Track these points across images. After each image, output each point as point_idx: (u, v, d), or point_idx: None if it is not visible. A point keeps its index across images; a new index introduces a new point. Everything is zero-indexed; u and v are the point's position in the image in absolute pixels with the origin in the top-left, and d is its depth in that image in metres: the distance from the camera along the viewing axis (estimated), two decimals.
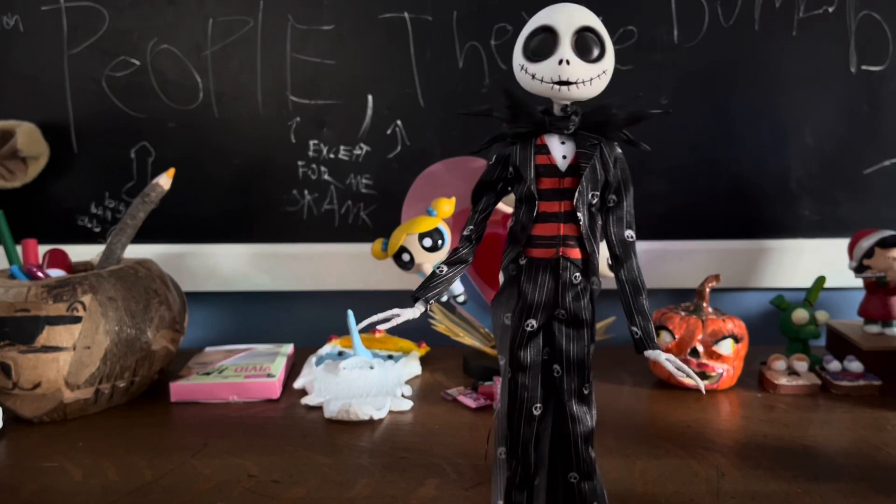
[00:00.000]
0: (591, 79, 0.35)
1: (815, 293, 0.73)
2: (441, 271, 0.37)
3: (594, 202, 0.36)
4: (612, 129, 0.37)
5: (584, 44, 0.35)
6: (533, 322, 0.37)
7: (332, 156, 0.85)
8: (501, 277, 0.38)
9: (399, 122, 0.84)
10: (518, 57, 0.36)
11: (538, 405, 0.38)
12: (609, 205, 0.37)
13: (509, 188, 0.38)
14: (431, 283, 0.37)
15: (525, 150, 0.36)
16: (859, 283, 0.74)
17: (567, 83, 0.35)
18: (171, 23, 0.83)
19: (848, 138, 0.81)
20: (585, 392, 0.38)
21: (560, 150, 0.36)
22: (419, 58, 0.82)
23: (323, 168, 0.85)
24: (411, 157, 0.83)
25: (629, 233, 0.38)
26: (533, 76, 0.35)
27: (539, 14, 0.36)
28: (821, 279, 0.74)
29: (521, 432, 0.38)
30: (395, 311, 0.37)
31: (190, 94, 0.84)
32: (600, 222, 0.37)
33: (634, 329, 0.37)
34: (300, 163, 0.85)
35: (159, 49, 0.83)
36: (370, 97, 0.84)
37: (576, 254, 0.36)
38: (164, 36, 0.83)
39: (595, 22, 0.35)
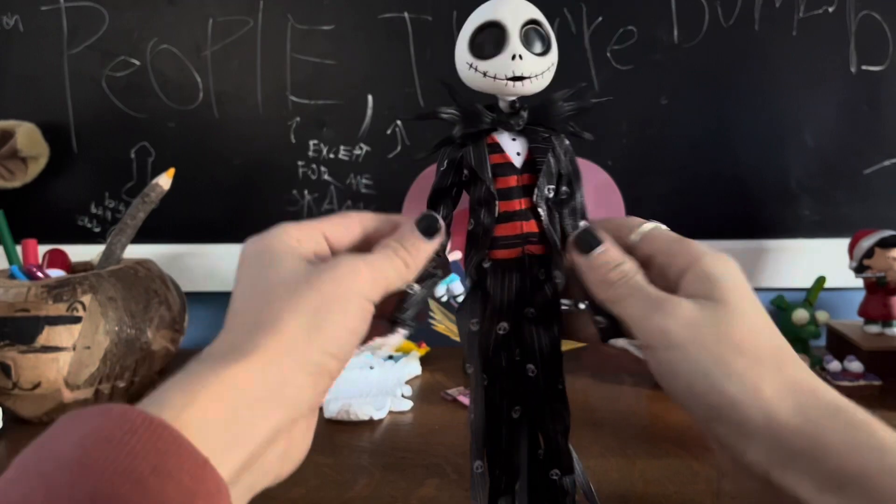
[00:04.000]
0: (542, 72, 0.34)
1: (816, 293, 0.73)
2: (412, 290, 0.36)
3: (550, 196, 0.36)
4: (560, 121, 0.36)
5: (533, 38, 0.34)
6: (505, 325, 0.36)
7: (332, 156, 0.85)
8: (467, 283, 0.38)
9: (399, 122, 0.84)
10: (464, 55, 0.35)
11: (517, 408, 0.37)
12: (562, 197, 0.36)
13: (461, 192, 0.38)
14: (405, 304, 0.35)
15: (478, 150, 0.35)
16: (859, 283, 0.74)
17: (521, 78, 0.34)
18: (171, 23, 0.83)
19: (848, 138, 0.81)
20: (560, 388, 0.37)
21: (513, 147, 0.35)
22: (419, 58, 0.82)
23: (323, 168, 0.85)
24: (411, 157, 0.83)
25: (583, 223, 0.37)
26: (484, 74, 0.34)
27: (481, 10, 0.35)
28: (821, 279, 0.74)
29: (503, 438, 0.37)
30: (378, 340, 0.35)
31: (190, 94, 0.84)
32: (557, 215, 0.36)
33: (599, 318, 0.35)
34: (300, 163, 0.85)
35: (159, 49, 0.83)
36: (370, 97, 0.84)
37: (539, 250, 0.36)
38: (164, 36, 0.83)
39: (540, 15, 0.35)
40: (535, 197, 0.35)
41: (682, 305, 0.31)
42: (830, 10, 0.79)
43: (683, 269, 0.33)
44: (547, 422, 0.37)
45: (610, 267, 0.33)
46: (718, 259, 0.32)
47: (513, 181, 0.35)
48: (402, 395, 0.64)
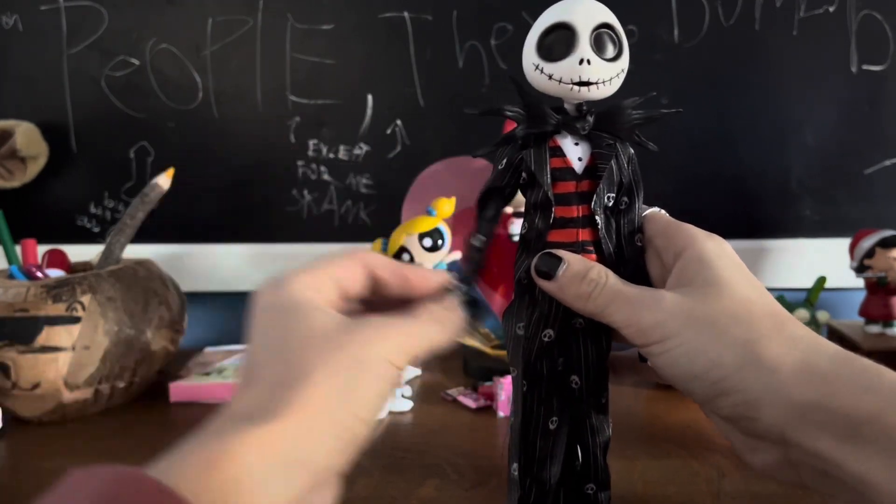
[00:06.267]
0: (610, 78, 0.33)
1: (816, 293, 0.73)
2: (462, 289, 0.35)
3: (610, 204, 0.35)
4: (627, 129, 0.35)
5: (604, 42, 0.33)
6: (551, 332, 0.35)
7: (331, 155, 0.85)
8: (515, 288, 0.36)
9: (399, 121, 0.84)
10: (531, 56, 0.33)
11: (554, 418, 0.36)
12: (621, 207, 0.35)
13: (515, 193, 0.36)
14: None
15: (539, 153, 0.34)
16: (860, 283, 0.74)
17: (587, 83, 0.33)
18: (171, 22, 0.83)
19: (849, 138, 0.81)
20: (603, 402, 0.36)
21: (575, 152, 0.34)
22: (419, 57, 0.82)
23: (322, 168, 0.85)
24: (411, 157, 0.83)
25: (639, 236, 0.36)
26: (550, 76, 0.33)
27: (553, 9, 0.33)
28: (821, 279, 0.74)
29: (537, 447, 0.36)
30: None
31: (189, 93, 0.84)
32: (615, 225, 0.35)
33: None
34: (300, 162, 0.85)
35: (158, 49, 0.83)
36: (370, 97, 0.83)
37: (593, 258, 0.34)
38: (164, 35, 0.83)
39: (613, 19, 0.33)
40: (593, 204, 0.34)
41: (667, 297, 0.31)
42: (831, 9, 0.79)
43: (678, 252, 0.33)
44: (586, 435, 0.36)
45: (578, 280, 0.32)
46: (709, 241, 0.33)
47: (571, 187, 0.34)
48: (402, 395, 0.64)
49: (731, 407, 0.29)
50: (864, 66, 0.80)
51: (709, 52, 0.81)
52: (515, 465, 0.36)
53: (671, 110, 0.36)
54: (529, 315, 0.35)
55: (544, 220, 0.34)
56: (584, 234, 0.34)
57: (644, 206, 0.37)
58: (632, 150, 0.36)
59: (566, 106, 0.35)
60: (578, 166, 0.34)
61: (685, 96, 0.82)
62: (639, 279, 0.34)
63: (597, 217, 0.34)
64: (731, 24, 0.80)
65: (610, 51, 0.33)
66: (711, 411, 0.32)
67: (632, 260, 0.35)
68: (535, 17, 0.34)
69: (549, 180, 0.34)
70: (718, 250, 0.33)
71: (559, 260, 0.33)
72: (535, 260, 0.34)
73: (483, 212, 0.36)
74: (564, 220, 0.34)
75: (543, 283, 0.33)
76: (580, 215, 0.34)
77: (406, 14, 0.82)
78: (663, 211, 0.37)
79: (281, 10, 0.82)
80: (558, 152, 0.34)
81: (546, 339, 0.35)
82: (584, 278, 0.32)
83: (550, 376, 0.36)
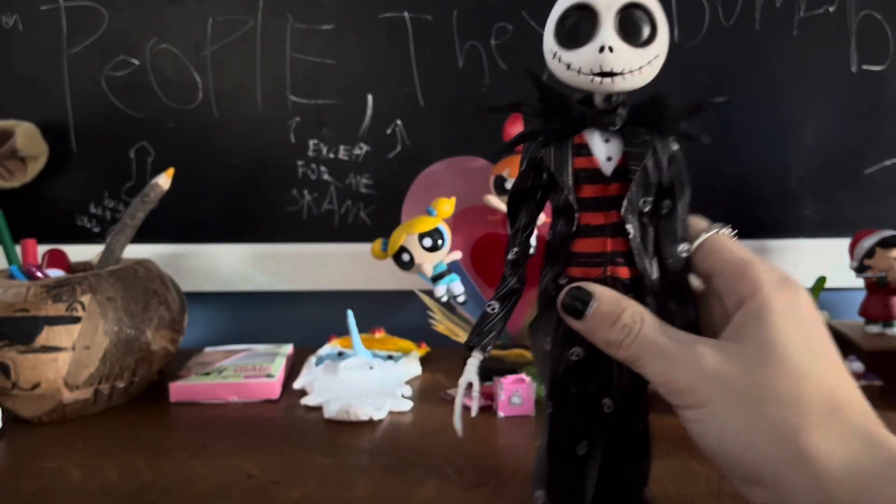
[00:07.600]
0: (640, 67, 0.29)
1: (816, 293, 0.73)
2: (493, 309, 0.31)
3: (646, 210, 0.30)
4: (668, 122, 0.31)
5: (631, 24, 0.28)
6: (579, 350, 0.31)
7: (331, 155, 0.85)
8: (538, 300, 0.33)
9: (399, 121, 0.84)
10: (549, 42, 0.29)
11: (583, 443, 0.32)
12: (662, 212, 0.31)
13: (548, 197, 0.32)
14: (485, 327, 0.31)
15: (561, 151, 0.30)
16: (860, 283, 0.74)
17: (610, 74, 0.28)
18: (171, 22, 0.83)
19: (849, 138, 0.81)
20: (641, 427, 0.33)
21: (604, 151, 0.30)
22: (419, 58, 0.82)
23: (322, 168, 0.85)
24: (411, 157, 0.83)
25: (683, 247, 0.32)
26: (568, 66, 0.29)
27: None
28: (821, 279, 0.74)
29: (564, 475, 0.32)
30: (464, 378, 0.31)
31: (189, 93, 0.84)
32: (653, 233, 0.31)
33: None
34: (300, 162, 0.85)
35: (159, 49, 0.83)
36: (370, 97, 0.83)
37: (625, 273, 0.30)
38: (164, 35, 0.83)
39: None
40: (623, 210, 0.30)
41: (706, 355, 0.27)
42: (831, 9, 0.79)
43: (740, 300, 0.28)
44: (622, 465, 0.33)
45: (609, 323, 0.29)
46: (779, 293, 0.28)
47: (599, 190, 0.30)
48: (402, 396, 0.64)
49: (765, 499, 0.26)
50: (864, 66, 0.80)
51: (709, 52, 0.81)
52: (540, 492, 0.33)
53: (719, 99, 0.32)
54: (555, 330, 0.32)
55: (567, 226, 0.30)
56: (614, 245, 0.30)
57: (701, 223, 0.32)
58: (674, 147, 0.32)
59: (595, 97, 0.31)
60: (607, 167, 0.30)
61: (685, 96, 0.82)
62: (686, 316, 0.30)
63: (628, 225, 0.30)
64: (731, 24, 0.80)
65: (639, 35, 0.29)
66: (745, 493, 0.28)
67: (676, 277, 0.31)
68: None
69: (571, 182, 0.30)
70: (787, 305, 0.27)
71: (588, 298, 0.29)
72: (561, 295, 0.30)
73: (514, 222, 0.32)
74: (590, 228, 0.30)
75: (572, 322, 0.30)
76: (609, 222, 0.30)
77: (406, 14, 0.82)
78: (726, 231, 0.32)
79: (281, 10, 0.82)
80: (584, 150, 0.30)
81: (574, 358, 0.31)
82: (615, 322, 0.29)
83: (580, 398, 0.32)
